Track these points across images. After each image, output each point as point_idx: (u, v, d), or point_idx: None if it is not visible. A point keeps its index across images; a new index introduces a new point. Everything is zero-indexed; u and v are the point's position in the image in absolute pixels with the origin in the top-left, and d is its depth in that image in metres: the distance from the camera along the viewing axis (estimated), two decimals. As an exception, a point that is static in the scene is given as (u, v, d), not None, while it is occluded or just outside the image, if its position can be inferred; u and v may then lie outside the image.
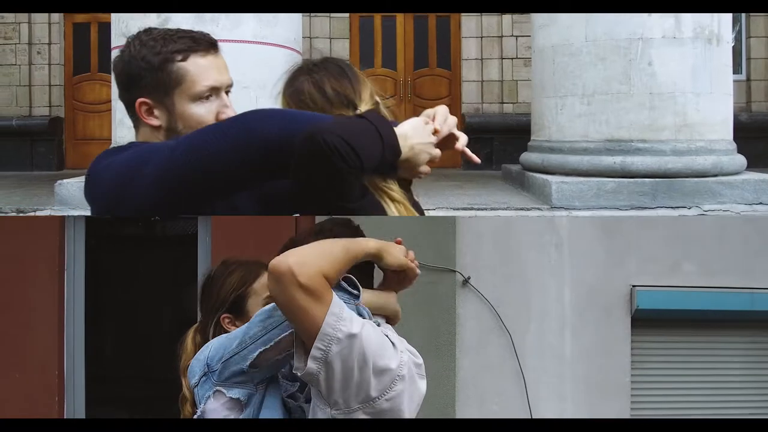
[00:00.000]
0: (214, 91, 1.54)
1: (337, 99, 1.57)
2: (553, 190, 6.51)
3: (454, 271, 3.60)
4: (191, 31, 1.57)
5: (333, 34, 11.15)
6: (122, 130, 6.80)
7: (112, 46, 6.92)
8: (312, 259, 1.33)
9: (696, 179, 6.40)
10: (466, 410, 4.00)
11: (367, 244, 1.43)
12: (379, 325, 1.46)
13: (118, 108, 6.87)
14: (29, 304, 3.56)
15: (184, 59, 1.51)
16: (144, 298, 3.90)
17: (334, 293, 1.36)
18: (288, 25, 6.61)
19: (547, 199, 6.60)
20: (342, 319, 1.34)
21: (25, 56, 11.23)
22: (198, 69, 1.52)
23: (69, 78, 11.46)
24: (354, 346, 1.34)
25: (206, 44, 1.55)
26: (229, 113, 1.52)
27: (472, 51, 11.00)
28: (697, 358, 4.00)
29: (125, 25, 6.55)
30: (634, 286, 3.81)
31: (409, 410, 1.41)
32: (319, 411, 1.40)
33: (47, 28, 11.22)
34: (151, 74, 1.51)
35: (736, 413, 3.95)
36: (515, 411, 3.59)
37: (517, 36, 10.79)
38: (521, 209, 6.52)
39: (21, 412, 3.38)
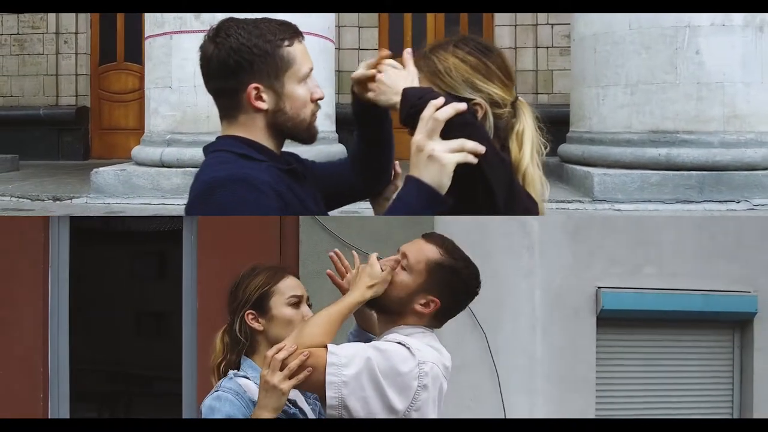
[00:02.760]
0: (311, 72, 1.65)
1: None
2: (595, 182, 6.44)
3: None
4: (279, 20, 1.65)
5: (362, 23, 11.11)
6: (156, 119, 6.83)
7: (147, 35, 6.93)
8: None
9: (746, 172, 6.29)
10: (444, 405, 4.31)
11: (352, 302, 1.58)
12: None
13: (152, 97, 6.90)
14: (14, 301, 3.61)
15: (290, 45, 1.61)
16: (105, 292, 3.96)
17: (328, 348, 1.50)
18: (321, 16, 6.60)
19: (588, 192, 6.53)
20: (341, 365, 1.47)
21: (52, 46, 11.30)
22: (301, 53, 1.62)
23: (95, 67, 11.53)
24: (362, 380, 1.46)
25: (299, 32, 1.66)
26: (319, 92, 1.65)
27: (505, 40, 10.90)
28: (656, 355, 4.23)
29: (160, 15, 6.56)
30: (599, 287, 4.02)
31: (434, 412, 1.54)
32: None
33: (74, 18, 11.28)
34: (263, 60, 1.58)
35: (690, 407, 4.21)
36: (489, 405, 3.79)
37: (552, 24, 10.67)
38: (562, 202, 6.45)
39: (6, 408, 3.43)
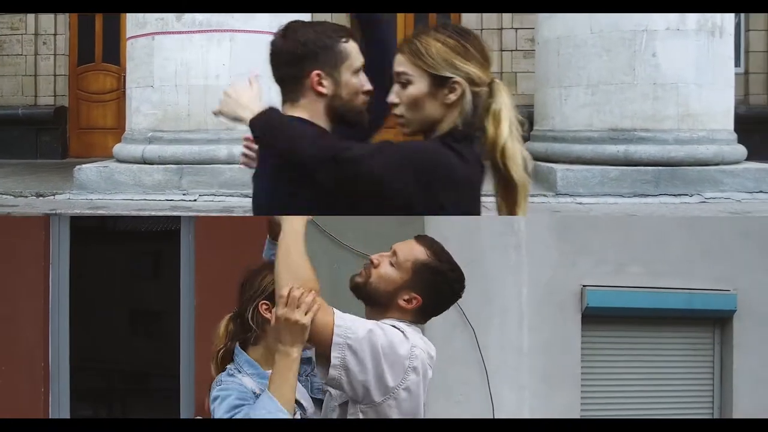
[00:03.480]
0: (362, 66, 1.87)
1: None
2: (559, 177, 6.65)
3: None
4: (336, 23, 1.90)
5: (334, 25, 11.24)
6: (137, 117, 6.90)
7: (128, 35, 7.00)
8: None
9: (698, 168, 6.55)
10: (433, 399, 4.40)
11: (297, 228, 1.66)
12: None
13: (133, 96, 6.98)
14: (15, 298, 3.62)
15: (346, 41, 1.84)
16: (101, 291, 3.94)
17: (333, 311, 1.60)
18: (299, 16, 6.72)
19: (552, 187, 6.74)
20: (348, 328, 1.58)
21: (31, 46, 11.26)
22: (355, 50, 1.86)
23: (73, 68, 11.51)
24: (364, 345, 1.57)
25: (353, 33, 1.92)
26: (368, 85, 1.86)
27: (472, 43, 11.10)
28: (641, 352, 4.23)
29: (142, 16, 6.64)
30: (584, 285, 4.04)
31: (421, 395, 1.65)
32: (350, 407, 1.64)
33: (53, 19, 11.26)
34: (325, 51, 1.82)
35: (672, 402, 4.24)
36: (478, 400, 3.80)
37: (516, 28, 10.91)
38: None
39: (7, 404, 3.43)
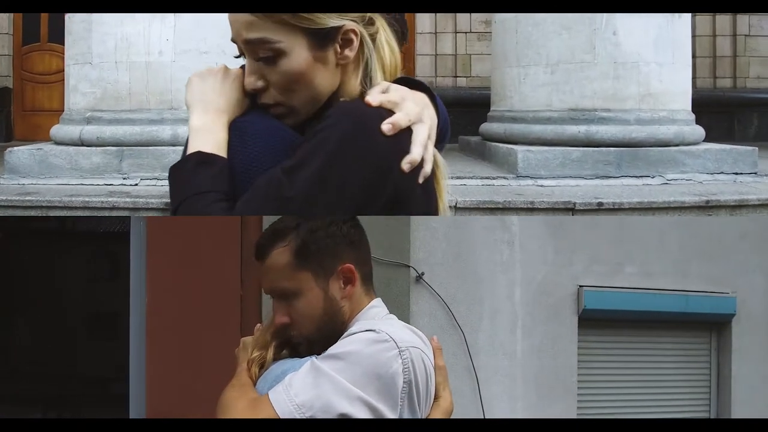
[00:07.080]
0: None
1: None
2: (519, 159, 6.10)
3: (408, 267, 3.41)
4: None
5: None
6: (75, 97, 6.14)
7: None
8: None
9: (660, 148, 6.09)
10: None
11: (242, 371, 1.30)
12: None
13: (71, 74, 6.20)
14: None
15: None
16: (57, 293, 3.70)
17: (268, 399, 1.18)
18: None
19: (512, 169, 6.20)
20: (291, 395, 1.13)
21: (-28, 25, 10.31)
22: None
23: (18, 48, 10.59)
24: (321, 390, 1.11)
25: None
26: None
27: (426, 25, 10.54)
28: (637, 357, 4.04)
29: (77, -13, 5.83)
30: (581, 286, 3.78)
31: (426, 391, 1.24)
32: None
33: (-7, -4, 10.30)
34: None
35: (670, 411, 4.05)
36: (468, 409, 3.48)
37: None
38: (486, 178, 6.11)
39: None
